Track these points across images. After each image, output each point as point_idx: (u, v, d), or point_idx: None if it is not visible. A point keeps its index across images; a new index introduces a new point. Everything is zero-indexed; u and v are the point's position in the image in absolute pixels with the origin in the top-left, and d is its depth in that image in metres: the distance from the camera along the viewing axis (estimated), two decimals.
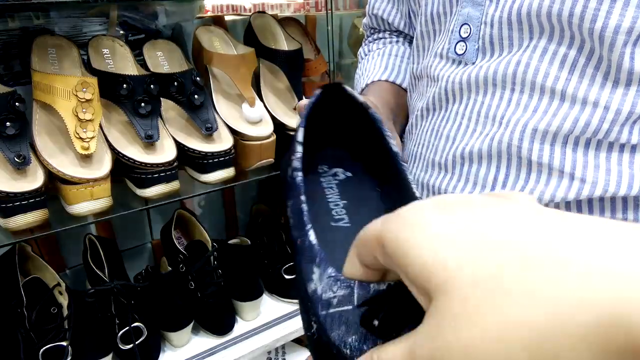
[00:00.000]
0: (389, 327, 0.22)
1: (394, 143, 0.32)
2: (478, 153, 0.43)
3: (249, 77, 0.93)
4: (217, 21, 1.07)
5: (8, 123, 0.68)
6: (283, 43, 1.06)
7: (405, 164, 0.32)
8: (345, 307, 0.24)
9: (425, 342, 0.17)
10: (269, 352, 1.11)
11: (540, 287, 0.15)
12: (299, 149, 0.30)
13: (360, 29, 1.24)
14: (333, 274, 0.25)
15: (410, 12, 0.59)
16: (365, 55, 0.64)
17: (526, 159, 0.41)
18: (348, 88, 0.33)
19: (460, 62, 0.45)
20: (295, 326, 1.00)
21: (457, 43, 0.44)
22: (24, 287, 0.80)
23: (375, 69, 0.59)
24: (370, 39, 0.66)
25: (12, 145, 0.68)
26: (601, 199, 0.39)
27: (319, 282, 0.25)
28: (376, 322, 0.22)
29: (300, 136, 0.30)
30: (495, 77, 0.42)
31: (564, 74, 0.38)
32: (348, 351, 0.23)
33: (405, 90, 0.58)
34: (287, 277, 1.02)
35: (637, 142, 0.38)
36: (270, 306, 1.03)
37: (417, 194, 0.31)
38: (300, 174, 0.29)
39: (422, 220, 0.18)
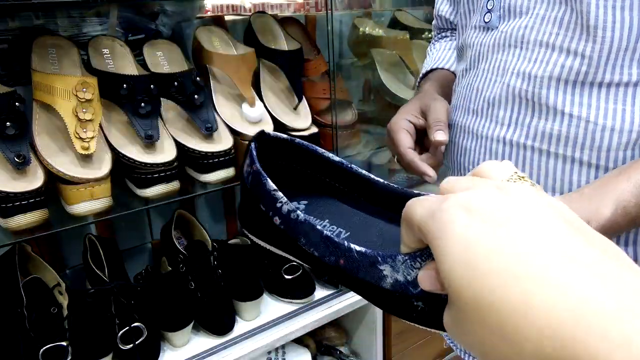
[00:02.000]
0: None
1: (333, 155, 0.37)
2: (498, 98, 0.55)
3: (249, 77, 0.93)
4: (217, 21, 1.07)
5: (8, 123, 0.68)
6: (283, 43, 1.06)
7: (356, 168, 0.36)
8: None
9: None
10: (269, 352, 1.11)
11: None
12: (279, 195, 0.32)
13: (360, 29, 1.24)
14: (405, 257, 0.28)
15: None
16: (431, 50, 0.80)
17: (531, 100, 0.52)
18: (271, 132, 0.36)
19: (488, 29, 0.58)
20: (296, 326, 1.00)
21: (485, 14, 0.58)
22: (24, 287, 0.80)
23: (435, 60, 0.76)
24: (436, 38, 0.82)
25: (12, 145, 0.68)
26: (585, 132, 0.50)
27: (396, 272, 0.28)
28: None
29: (271, 185, 0.32)
30: (510, 39, 0.54)
31: (555, 30, 0.50)
32: None
33: (454, 73, 0.73)
34: (287, 277, 1.02)
35: (609, 81, 0.49)
36: (270, 306, 1.03)
37: (377, 178, 0.36)
38: (299, 212, 0.31)
39: (455, 233, 0.21)
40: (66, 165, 0.70)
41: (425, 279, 0.25)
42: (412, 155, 0.58)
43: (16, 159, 0.67)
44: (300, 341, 1.16)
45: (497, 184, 0.23)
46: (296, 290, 1.03)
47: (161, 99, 0.84)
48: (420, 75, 0.78)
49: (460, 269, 0.20)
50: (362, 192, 0.37)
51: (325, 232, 0.31)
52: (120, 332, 0.84)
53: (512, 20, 0.55)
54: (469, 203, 0.21)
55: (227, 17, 1.14)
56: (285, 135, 0.36)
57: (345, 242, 0.30)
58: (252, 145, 0.34)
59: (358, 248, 0.30)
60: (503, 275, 0.19)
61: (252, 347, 0.94)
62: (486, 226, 0.20)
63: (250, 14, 1.10)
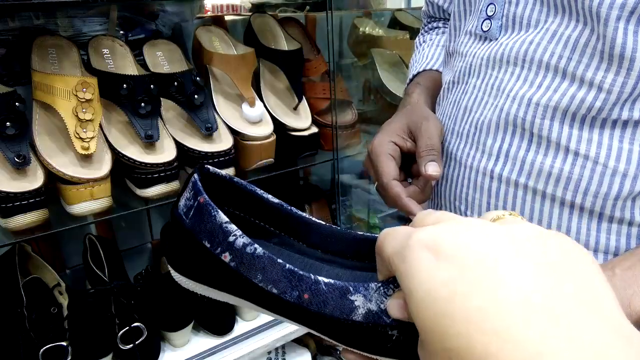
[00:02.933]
0: None
1: (272, 197, 0.35)
2: (488, 124, 0.47)
3: (249, 77, 0.93)
4: (217, 21, 1.07)
5: (8, 123, 0.68)
6: (283, 43, 1.06)
7: (291, 208, 0.34)
8: None
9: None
10: (269, 352, 1.11)
11: None
12: (233, 228, 0.30)
13: (360, 29, 1.24)
14: (379, 284, 0.27)
15: None
16: (420, 45, 0.70)
17: (528, 131, 0.45)
18: (211, 168, 0.34)
19: (485, 39, 0.49)
20: (296, 326, 1.00)
21: (483, 21, 0.49)
22: (24, 287, 0.80)
23: (424, 59, 0.66)
24: (426, 28, 0.72)
25: (12, 145, 0.68)
26: (591, 175, 0.43)
27: (368, 301, 0.27)
28: None
29: (223, 217, 0.30)
30: (510, 55, 0.46)
31: (567, 53, 0.42)
32: None
33: None
34: None
35: (627, 119, 0.41)
36: None
37: (318, 221, 0.34)
38: (256, 246, 0.29)
39: (419, 275, 0.20)
40: (66, 165, 0.70)
41: (394, 307, 0.24)
42: (398, 190, 0.48)
43: (16, 159, 0.67)
44: (300, 341, 1.16)
45: (466, 221, 0.21)
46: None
47: (161, 99, 0.84)
48: (410, 77, 0.68)
49: (425, 311, 0.20)
50: (303, 237, 0.35)
51: (288, 265, 0.29)
52: (120, 332, 0.84)
53: (515, 33, 0.46)
54: (433, 241, 0.21)
55: (227, 17, 1.14)
56: (224, 173, 0.34)
57: (312, 275, 0.28)
58: (196, 177, 0.32)
59: (326, 280, 0.28)
60: (465, 324, 0.18)
61: (252, 347, 0.94)
62: (449, 269, 0.19)
63: (250, 14, 1.10)
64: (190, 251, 0.31)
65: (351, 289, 0.28)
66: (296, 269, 0.29)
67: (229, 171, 0.85)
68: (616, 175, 0.42)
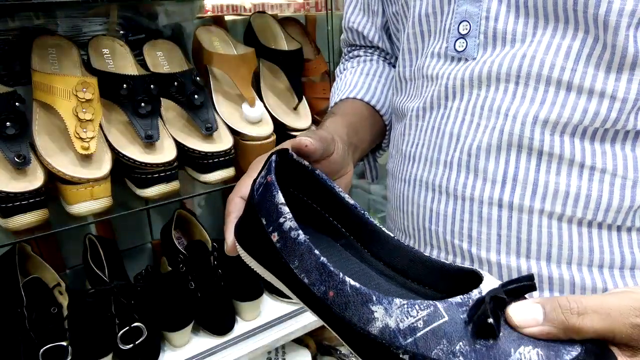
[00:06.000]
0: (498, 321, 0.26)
1: (349, 197, 0.35)
2: (487, 147, 0.43)
3: (249, 77, 0.93)
4: (217, 21, 1.07)
5: (8, 123, 0.68)
6: (283, 43, 1.06)
7: (364, 212, 0.34)
8: (439, 322, 0.26)
9: None
10: (269, 352, 1.11)
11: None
12: (286, 210, 0.30)
13: None
14: (404, 302, 0.26)
15: (391, 24, 0.59)
16: (342, 72, 0.65)
17: (537, 150, 0.41)
18: (295, 155, 0.35)
19: (460, 59, 0.45)
20: (296, 326, 1.00)
21: (456, 40, 0.45)
22: (24, 287, 0.80)
23: (345, 87, 0.60)
24: (347, 57, 0.68)
25: (12, 145, 0.68)
26: (611, 189, 0.41)
27: (388, 316, 0.26)
28: (491, 320, 0.25)
29: (280, 198, 0.31)
30: (499, 72, 0.42)
31: (570, 64, 0.39)
32: (461, 358, 0.25)
33: (373, 107, 0.59)
34: None
35: None
36: (270, 306, 1.03)
37: (387, 232, 0.34)
38: (300, 232, 0.30)
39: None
40: (66, 165, 0.70)
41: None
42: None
43: (16, 159, 0.67)
44: (300, 341, 1.16)
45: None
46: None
47: (161, 99, 0.84)
48: (330, 105, 0.62)
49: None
50: (369, 245, 0.35)
51: (322, 258, 0.29)
52: (120, 332, 0.84)
53: (499, 50, 0.42)
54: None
55: (227, 17, 1.14)
56: (307, 163, 0.34)
57: (341, 274, 0.28)
58: (273, 157, 0.33)
59: (352, 282, 0.28)
60: None
61: (252, 347, 0.94)
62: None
63: (250, 14, 1.11)
64: (251, 226, 0.32)
65: (374, 298, 0.27)
66: (329, 263, 0.29)
67: (229, 171, 0.85)
68: (637, 185, 0.40)
